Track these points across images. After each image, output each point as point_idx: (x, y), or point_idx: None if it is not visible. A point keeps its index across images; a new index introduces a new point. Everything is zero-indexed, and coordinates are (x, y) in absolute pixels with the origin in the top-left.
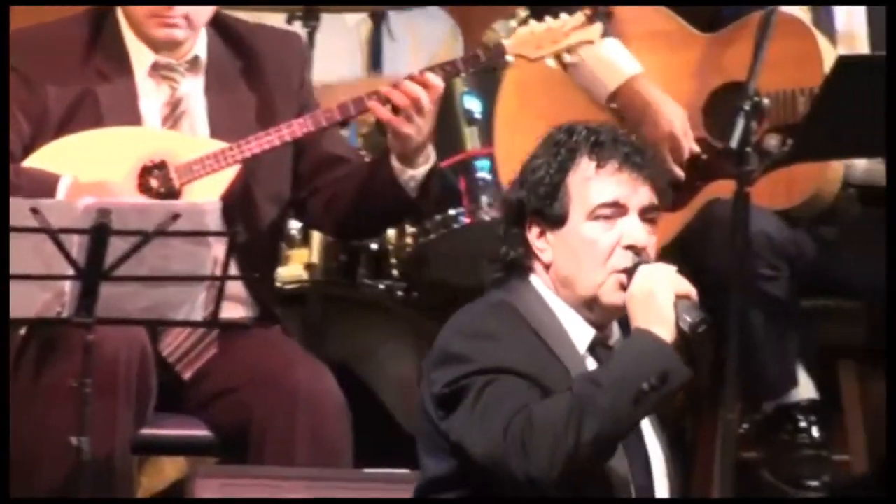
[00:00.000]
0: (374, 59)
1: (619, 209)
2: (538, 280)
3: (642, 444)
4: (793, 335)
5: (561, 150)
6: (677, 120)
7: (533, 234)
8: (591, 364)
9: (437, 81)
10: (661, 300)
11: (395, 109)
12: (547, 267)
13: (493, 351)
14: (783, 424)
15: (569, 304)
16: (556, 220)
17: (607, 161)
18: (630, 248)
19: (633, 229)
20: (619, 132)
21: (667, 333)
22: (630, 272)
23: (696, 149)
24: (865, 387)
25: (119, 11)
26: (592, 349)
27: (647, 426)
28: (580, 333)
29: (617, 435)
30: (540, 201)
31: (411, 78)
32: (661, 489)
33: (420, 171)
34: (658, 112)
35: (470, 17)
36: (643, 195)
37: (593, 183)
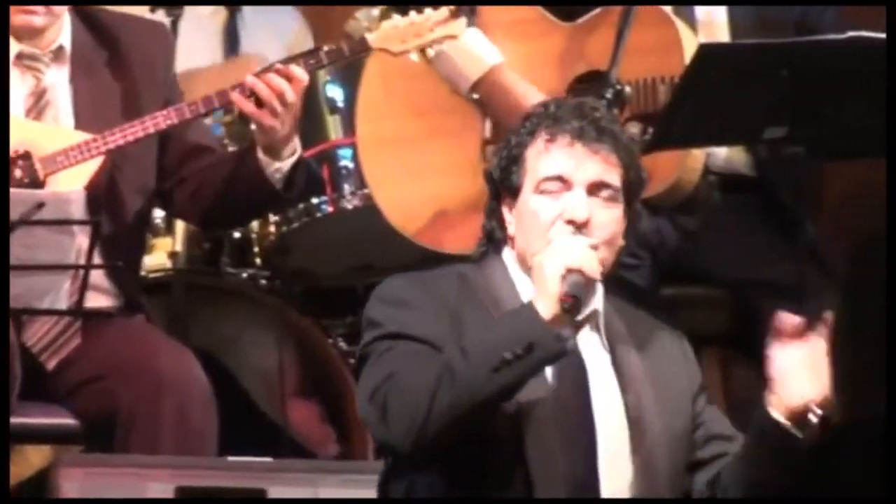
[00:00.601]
0: (232, 49)
1: (563, 184)
2: (510, 254)
3: (586, 430)
4: None
5: (527, 123)
6: None
7: (504, 207)
8: None
9: (301, 74)
10: (547, 272)
11: (260, 102)
12: (513, 240)
13: (400, 317)
14: None
15: (529, 277)
16: (513, 193)
17: (558, 135)
18: (570, 222)
19: (574, 204)
20: (590, 107)
21: (547, 305)
22: None
23: None
24: (728, 373)
25: None
26: None
27: (613, 414)
28: None
29: (476, 403)
30: (501, 173)
31: (275, 70)
32: (614, 483)
33: (286, 163)
34: (519, 101)
35: (324, 12)
36: (591, 170)
37: (543, 156)
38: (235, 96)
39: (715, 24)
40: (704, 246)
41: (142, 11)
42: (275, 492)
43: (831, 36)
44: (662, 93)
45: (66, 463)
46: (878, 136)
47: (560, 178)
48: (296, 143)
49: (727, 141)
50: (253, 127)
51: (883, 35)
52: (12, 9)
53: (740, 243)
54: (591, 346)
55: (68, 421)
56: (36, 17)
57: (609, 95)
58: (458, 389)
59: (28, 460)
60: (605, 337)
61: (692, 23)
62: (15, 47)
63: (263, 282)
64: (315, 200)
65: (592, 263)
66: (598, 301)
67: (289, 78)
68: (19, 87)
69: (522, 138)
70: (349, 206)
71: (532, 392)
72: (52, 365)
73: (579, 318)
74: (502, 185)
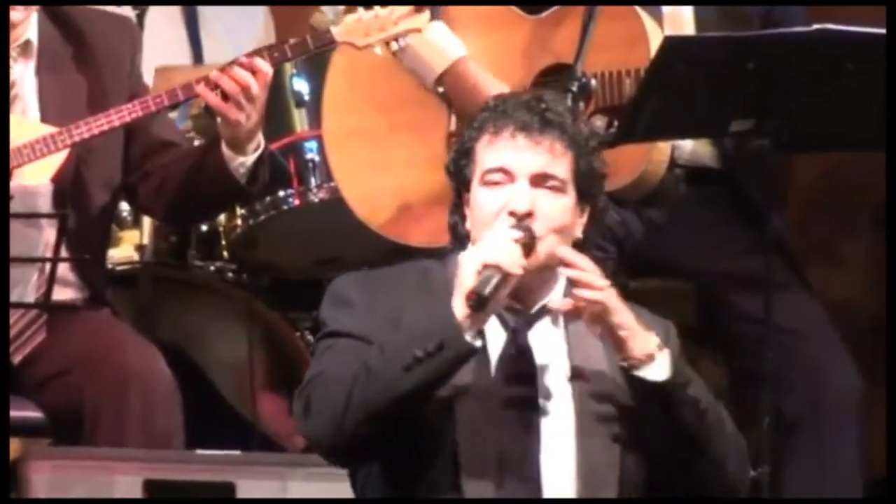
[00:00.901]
0: (195, 46)
1: (506, 175)
2: None
3: (530, 417)
4: None
5: (479, 118)
6: None
7: (465, 202)
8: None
9: (265, 67)
10: (464, 268)
11: (225, 96)
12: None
13: (341, 316)
14: None
15: None
16: (467, 187)
17: (503, 128)
18: (512, 214)
19: (516, 196)
20: (539, 100)
21: (459, 303)
22: None
23: None
24: (695, 367)
25: None
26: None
27: (561, 420)
28: None
29: (390, 400)
30: (454, 167)
31: (240, 63)
32: (557, 466)
33: (250, 158)
34: (484, 94)
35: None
36: (534, 162)
37: (488, 149)
38: (201, 89)
39: (680, 18)
40: (671, 238)
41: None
42: (243, 485)
43: (797, 28)
44: (628, 85)
45: (35, 455)
46: (843, 129)
47: (503, 170)
48: (259, 137)
49: (693, 134)
50: (218, 121)
51: (850, 28)
52: None
53: (706, 236)
54: (546, 339)
55: (35, 414)
56: (14, 12)
57: (574, 88)
58: (372, 386)
59: None
60: (568, 329)
61: (658, 16)
62: None
63: (230, 275)
64: (282, 193)
65: (511, 258)
66: (555, 294)
67: (253, 71)
68: None
69: (472, 132)
70: (315, 199)
71: (472, 379)
72: (17, 359)
73: (495, 311)
74: (457, 179)
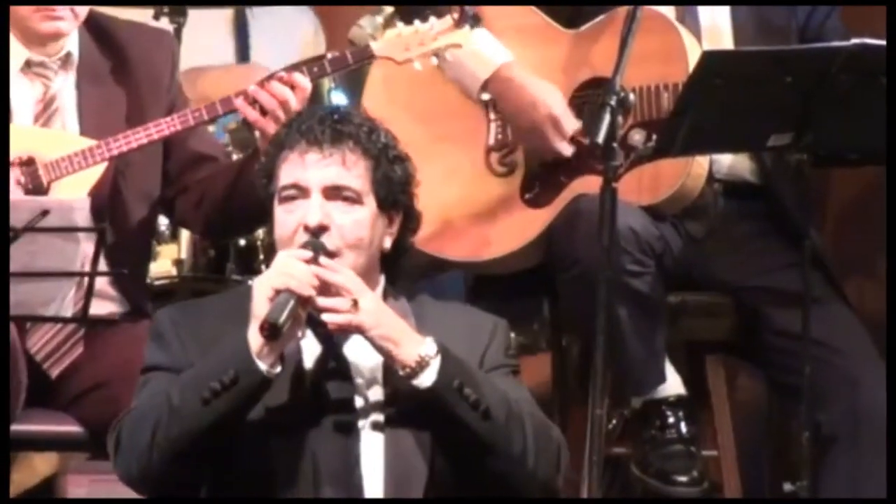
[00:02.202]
0: (242, 50)
1: (300, 191)
2: None
3: (348, 442)
4: (660, 331)
5: (276, 136)
6: (555, 100)
7: None
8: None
9: (304, 82)
10: (256, 295)
11: (263, 110)
12: None
13: (154, 351)
14: (651, 420)
15: None
16: (271, 206)
17: (295, 144)
18: (305, 229)
19: (308, 210)
20: (333, 112)
21: (254, 332)
22: None
23: (578, 125)
24: (733, 382)
25: None
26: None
27: (375, 424)
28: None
29: (193, 434)
30: (261, 189)
31: (279, 78)
32: (372, 461)
33: None
34: (535, 95)
35: (334, 13)
36: (326, 175)
37: (283, 166)
38: (239, 104)
39: (719, 32)
40: (709, 253)
41: (145, 17)
42: None
43: (836, 43)
44: (666, 100)
45: (73, 470)
46: (880, 144)
47: (296, 186)
48: None
49: (732, 148)
50: (257, 135)
51: (884, 42)
52: (36, 15)
53: (745, 250)
54: (362, 344)
55: (73, 428)
56: (63, 23)
57: (613, 102)
58: (174, 423)
59: (34, 468)
60: None
61: (696, 30)
62: (23, 54)
63: None
64: None
65: (301, 279)
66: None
67: (292, 86)
68: (28, 94)
69: (271, 150)
70: None
71: (287, 394)
72: (55, 373)
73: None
74: (265, 199)
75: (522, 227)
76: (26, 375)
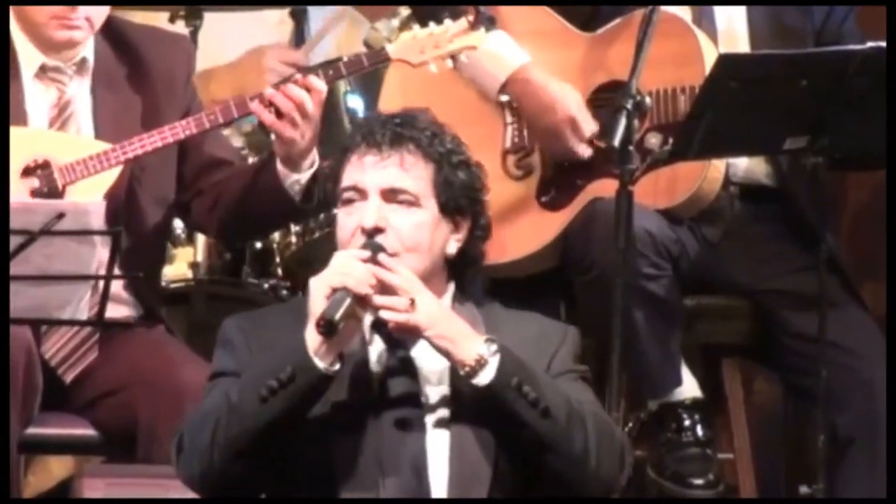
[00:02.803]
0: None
1: (358, 193)
2: None
3: (413, 442)
4: (676, 334)
5: (345, 140)
6: (574, 102)
7: None
8: (378, 347)
9: (319, 85)
10: (312, 294)
11: (279, 113)
12: None
13: (221, 357)
14: (668, 423)
15: None
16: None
17: (357, 147)
18: (362, 230)
19: (365, 212)
20: (396, 115)
21: (311, 331)
22: None
23: (596, 128)
24: (749, 385)
25: (11, 13)
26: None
27: (441, 423)
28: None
29: (252, 434)
30: (323, 193)
31: (294, 81)
32: (439, 457)
33: (304, 175)
34: (554, 96)
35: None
36: (383, 177)
37: (345, 170)
38: (255, 107)
39: (735, 35)
40: (725, 256)
41: (162, 22)
42: None
43: (851, 47)
44: (683, 103)
45: (89, 473)
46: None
47: (355, 188)
48: (314, 154)
49: (748, 151)
50: (272, 138)
51: None
52: (51, 23)
53: (761, 253)
54: (427, 350)
55: (89, 432)
56: (79, 31)
57: (629, 105)
58: (233, 422)
59: (50, 471)
60: None
61: (712, 33)
62: (38, 60)
63: (285, 292)
64: (336, 211)
65: (358, 277)
66: (445, 300)
67: (308, 89)
68: (43, 99)
69: (337, 155)
70: None
71: (350, 394)
72: (69, 378)
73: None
74: (332, 202)
75: (539, 229)
76: (41, 380)
